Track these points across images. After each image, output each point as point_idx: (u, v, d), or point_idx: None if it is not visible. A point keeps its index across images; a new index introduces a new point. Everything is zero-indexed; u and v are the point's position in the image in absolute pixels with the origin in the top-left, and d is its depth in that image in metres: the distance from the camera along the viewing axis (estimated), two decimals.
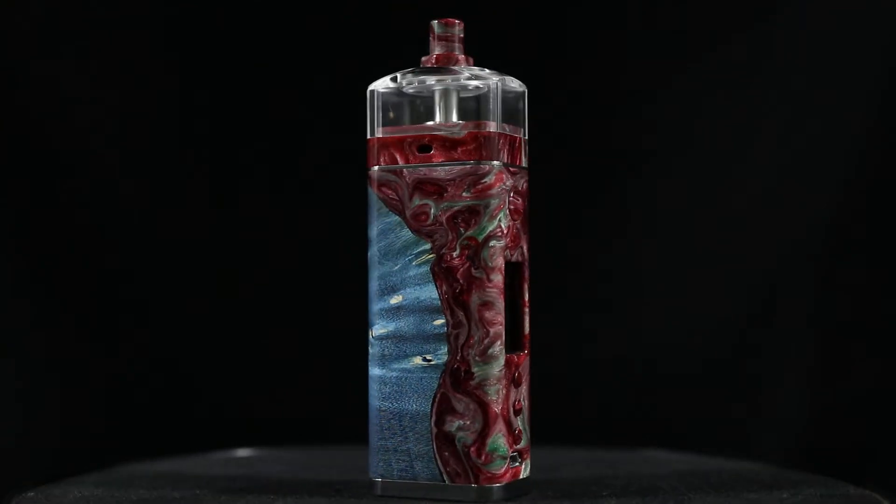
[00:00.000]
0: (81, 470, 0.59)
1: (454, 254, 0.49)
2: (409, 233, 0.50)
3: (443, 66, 0.51)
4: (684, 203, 0.78)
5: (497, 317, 0.49)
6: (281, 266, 0.79)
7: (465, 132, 0.49)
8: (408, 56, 0.52)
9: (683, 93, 0.78)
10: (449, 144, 0.49)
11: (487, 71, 0.50)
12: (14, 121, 0.75)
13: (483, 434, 0.49)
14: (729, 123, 0.78)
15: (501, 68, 0.51)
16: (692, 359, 0.78)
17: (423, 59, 0.51)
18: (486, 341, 0.49)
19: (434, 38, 0.51)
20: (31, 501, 0.51)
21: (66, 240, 0.76)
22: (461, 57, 0.51)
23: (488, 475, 0.49)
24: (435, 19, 0.51)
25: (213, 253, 0.78)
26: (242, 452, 0.67)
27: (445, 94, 0.51)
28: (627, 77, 0.78)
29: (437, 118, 0.50)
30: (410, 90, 0.51)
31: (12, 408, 0.74)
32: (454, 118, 0.50)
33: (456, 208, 0.49)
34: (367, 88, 0.51)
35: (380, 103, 0.51)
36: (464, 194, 0.49)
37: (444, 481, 0.49)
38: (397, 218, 0.50)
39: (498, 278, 0.49)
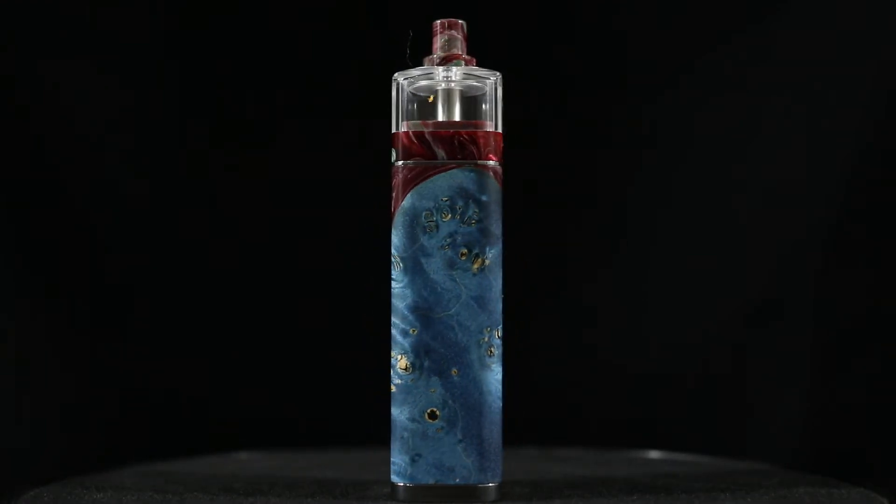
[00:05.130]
0: (82, 471, 0.59)
1: None
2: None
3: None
4: (684, 203, 0.78)
5: None
6: (282, 266, 0.79)
7: None
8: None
9: (683, 93, 0.78)
10: None
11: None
12: (13, 121, 0.75)
13: None
14: (729, 123, 0.77)
15: (499, 67, 0.51)
16: (692, 359, 0.78)
17: (431, 58, 0.51)
18: None
19: (464, 37, 0.51)
20: (33, 501, 0.51)
21: (66, 240, 0.76)
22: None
23: None
24: (439, 18, 0.51)
25: (215, 253, 0.78)
26: (244, 455, 0.67)
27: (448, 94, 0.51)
28: (627, 77, 0.78)
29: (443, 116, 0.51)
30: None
31: (13, 408, 0.74)
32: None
33: None
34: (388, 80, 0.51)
35: (498, 96, 0.50)
36: None
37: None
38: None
39: None
